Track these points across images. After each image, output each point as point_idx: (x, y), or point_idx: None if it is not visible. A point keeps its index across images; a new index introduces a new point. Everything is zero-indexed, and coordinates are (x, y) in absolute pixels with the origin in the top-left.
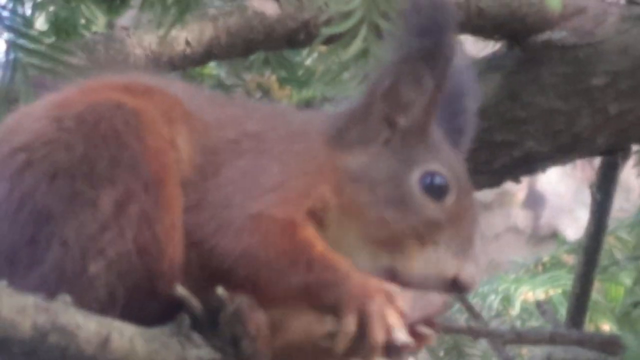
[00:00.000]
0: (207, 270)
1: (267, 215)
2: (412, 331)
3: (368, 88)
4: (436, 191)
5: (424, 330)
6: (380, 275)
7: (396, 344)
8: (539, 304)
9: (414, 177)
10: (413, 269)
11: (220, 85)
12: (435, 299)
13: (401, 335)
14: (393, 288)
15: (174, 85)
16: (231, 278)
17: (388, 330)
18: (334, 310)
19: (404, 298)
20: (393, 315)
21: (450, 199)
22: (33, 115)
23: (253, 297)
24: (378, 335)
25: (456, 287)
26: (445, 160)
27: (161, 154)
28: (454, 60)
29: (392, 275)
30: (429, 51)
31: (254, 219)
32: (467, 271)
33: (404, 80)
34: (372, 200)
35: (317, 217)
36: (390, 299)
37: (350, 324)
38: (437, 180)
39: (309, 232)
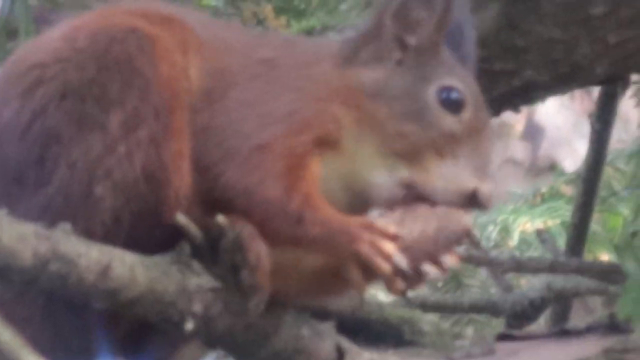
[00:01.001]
0: (211, 196)
1: (273, 148)
2: (435, 259)
3: (378, 9)
4: (453, 105)
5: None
6: (399, 189)
7: (402, 268)
8: (539, 233)
9: (431, 92)
10: (432, 182)
11: (216, 14)
12: (456, 224)
13: (400, 260)
14: (378, 222)
15: (189, 14)
16: (231, 209)
17: (388, 259)
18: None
19: (428, 224)
20: (386, 245)
21: (467, 113)
22: (51, 36)
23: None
24: (383, 268)
25: (475, 202)
26: (460, 76)
27: (173, 82)
28: None
29: (411, 189)
30: None
31: (259, 151)
32: (486, 187)
33: (413, 0)
34: (389, 115)
35: (331, 139)
36: (377, 232)
37: (352, 271)
38: (454, 94)
39: (309, 178)
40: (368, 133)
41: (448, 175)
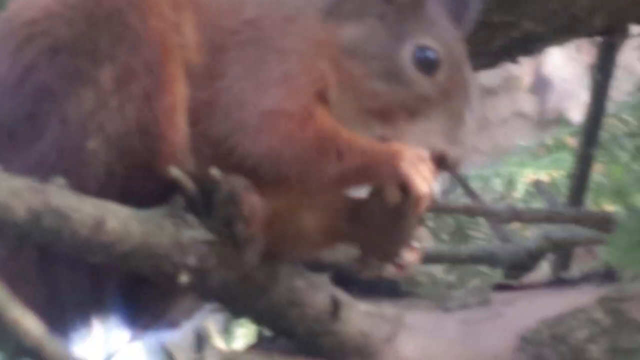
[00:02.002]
0: (224, 163)
1: (280, 111)
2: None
3: None
4: (427, 65)
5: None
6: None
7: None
8: (537, 184)
9: (406, 51)
10: (405, 140)
11: None
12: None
13: (435, 185)
14: (418, 149)
15: None
16: (258, 175)
17: (427, 182)
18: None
19: None
20: (425, 170)
21: (441, 74)
22: None
23: (277, 192)
24: (421, 188)
25: (442, 164)
26: (439, 35)
27: (164, 36)
28: None
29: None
30: None
31: (268, 116)
32: (454, 150)
33: None
34: (365, 73)
35: (322, 95)
36: (419, 157)
37: (392, 194)
38: (429, 54)
39: (325, 119)
40: (346, 92)
41: (418, 135)
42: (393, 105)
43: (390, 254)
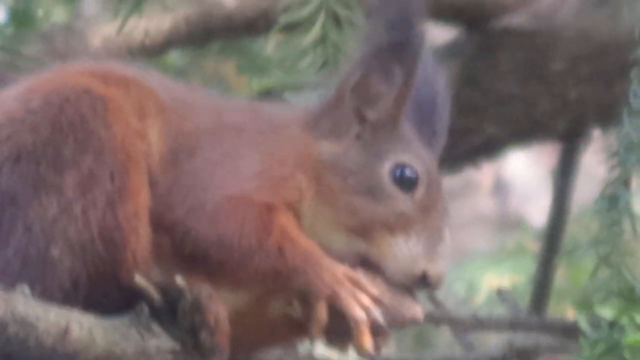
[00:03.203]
0: (179, 253)
1: (244, 198)
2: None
3: (339, 82)
4: (406, 183)
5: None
6: (356, 259)
7: (378, 323)
8: (499, 292)
9: (385, 169)
10: (385, 260)
11: (178, 73)
12: (407, 310)
13: (378, 314)
14: (362, 277)
15: (152, 77)
16: (203, 262)
17: (366, 310)
18: (305, 295)
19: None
20: (365, 298)
21: (420, 192)
22: (6, 96)
23: (223, 280)
24: (359, 316)
25: (424, 283)
26: (416, 153)
27: (128, 143)
28: (424, 56)
29: (366, 263)
30: (398, 45)
31: (231, 201)
32: (436, 268)
33: (373, 74)
34: (344, 189)
35: (294, 207)
36: (360, 285)
37: (321, 310)
38: (408, 172)
39: (285, 218)
40: (324, 207)
41: (399, 255)
42: (371, 221)
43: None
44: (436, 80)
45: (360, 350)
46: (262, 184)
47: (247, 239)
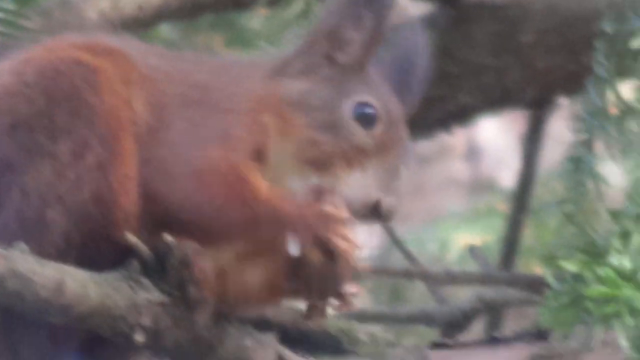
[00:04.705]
0: (162, 216)
1: (209, 168)
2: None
3: (313, 26)
4: (366, 120)
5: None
6: (311, 195)
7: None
8: (471, 249)
9: (347, 106)
10: (342, 188)
11: (170, 46)
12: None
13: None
14: (335, 212)
15: (132, 46)
16: (184, 223)
17: (346, 239)
18: (278, 244)
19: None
20: (341, 228)
21: (379, 129)
22: (1, 70)
23: (203, 239)
24: (340, 245)
25: (377, 213)
26: (379, 95)
27: (117, 110)
28: (408, 20)
29: (321, 195)
30: None
31: (197, 173)
32: (389, 200)
33: (345, 20)
34: (307, 123)
35: (262, 149)
36: (329, 216)
37: (292, 247)
38: (368, 110)
39: (251, 174)
40: (286, 141)
41: (354, 184)
42: (331, 154)
43: (331, 297)
44: (417, 39)
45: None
46: (227, 143)
47: (219, 199)
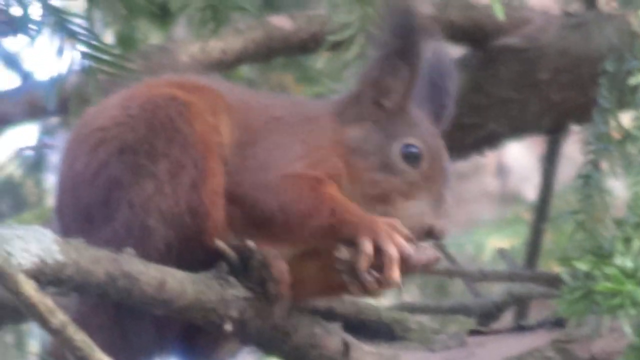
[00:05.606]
0: (248, 221)
1: (297, 174)
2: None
3: (359, 78)
4: (412, 159)
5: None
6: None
7: (408, 257)
8: (500, 251)
9: (395, 149)
10: (401, 217)
11: (249, 83)
12: (430, 252)
13: (409, 249)
14: (397, 222)
15: (218, 83)
16: (269, 226)
17: (399, 247)
18: (352, 241)
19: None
20: (399, 237)
21: (424, 165)
22: (108, 105)
23: (285, 240)
24: (392, 250)
25: (431, 235)
26: (421, 134)
27: (206, 136)
28: (429, 54)
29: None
30: (402, 49)
31: (287, 178)
32: (440, 223)
33: (385, 72)
34: (366, 167)
35: (335, 181)
36: (396, 228)
37: (367, 245)
38: (413, 150)
39: (332, 187)
40: (352, 182)
41: (411, 213)
42: (389, 191)
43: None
44: (445, 65)
45: (389, 281)
46: (308, 163)
47: (304, 205)
